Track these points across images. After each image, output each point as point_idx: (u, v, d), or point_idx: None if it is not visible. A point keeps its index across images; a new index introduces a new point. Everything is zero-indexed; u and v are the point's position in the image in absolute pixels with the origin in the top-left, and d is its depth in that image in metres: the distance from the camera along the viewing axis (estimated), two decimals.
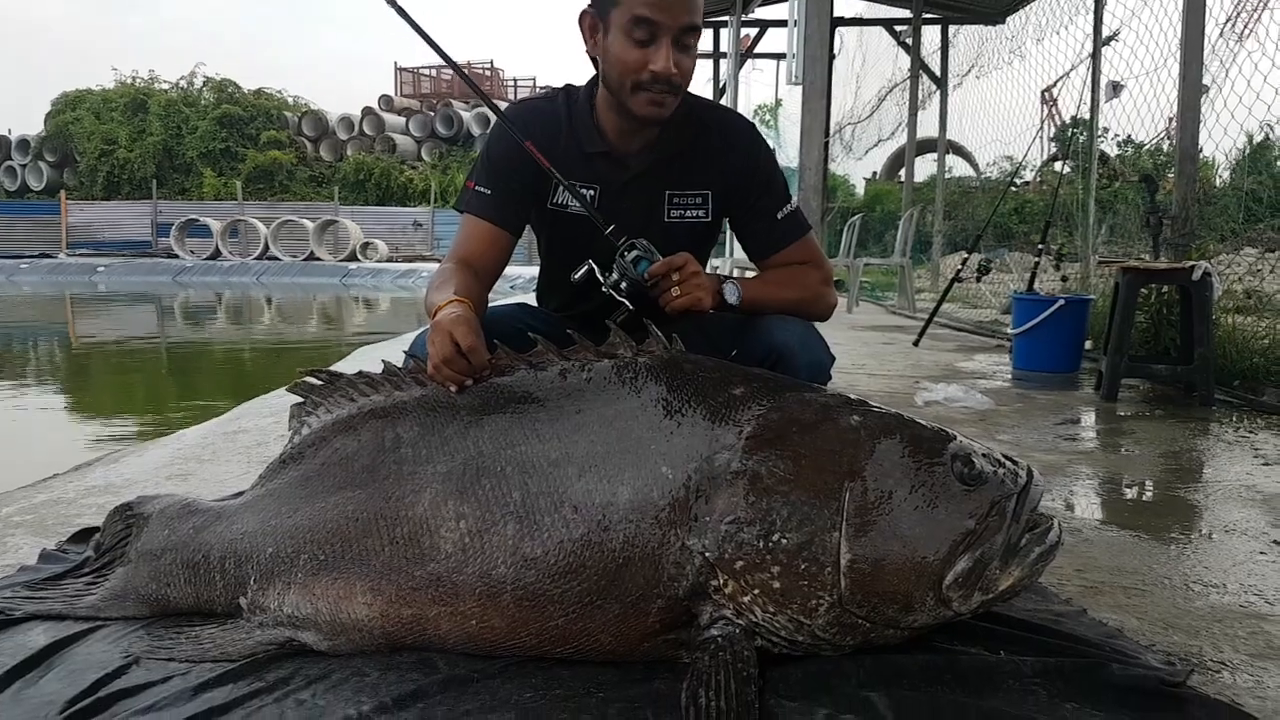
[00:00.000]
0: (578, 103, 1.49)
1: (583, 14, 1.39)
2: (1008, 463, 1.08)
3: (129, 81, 27.04)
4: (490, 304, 1.50)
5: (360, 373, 1.31)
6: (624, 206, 1.47)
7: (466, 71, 1.71)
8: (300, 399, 1.34)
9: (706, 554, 1.03)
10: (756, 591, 1.02)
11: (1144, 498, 2.20)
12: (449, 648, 1.12)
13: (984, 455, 1.07)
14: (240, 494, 1.45)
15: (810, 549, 1.01)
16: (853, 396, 1.16)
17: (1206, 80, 4.42)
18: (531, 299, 1.75)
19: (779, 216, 1.53)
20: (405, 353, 1.36)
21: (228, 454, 2.48)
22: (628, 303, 1.38)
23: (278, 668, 1.11)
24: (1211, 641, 1.27)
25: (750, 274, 1.59)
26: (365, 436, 1.24)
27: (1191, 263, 3.34)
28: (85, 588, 1.35)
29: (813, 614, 1.01)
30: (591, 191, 1.47)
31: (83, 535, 1.59)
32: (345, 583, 1.14)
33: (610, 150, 1.47)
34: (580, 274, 1.41)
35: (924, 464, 1.04)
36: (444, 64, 1.57)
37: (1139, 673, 1.03)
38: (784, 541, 1.01)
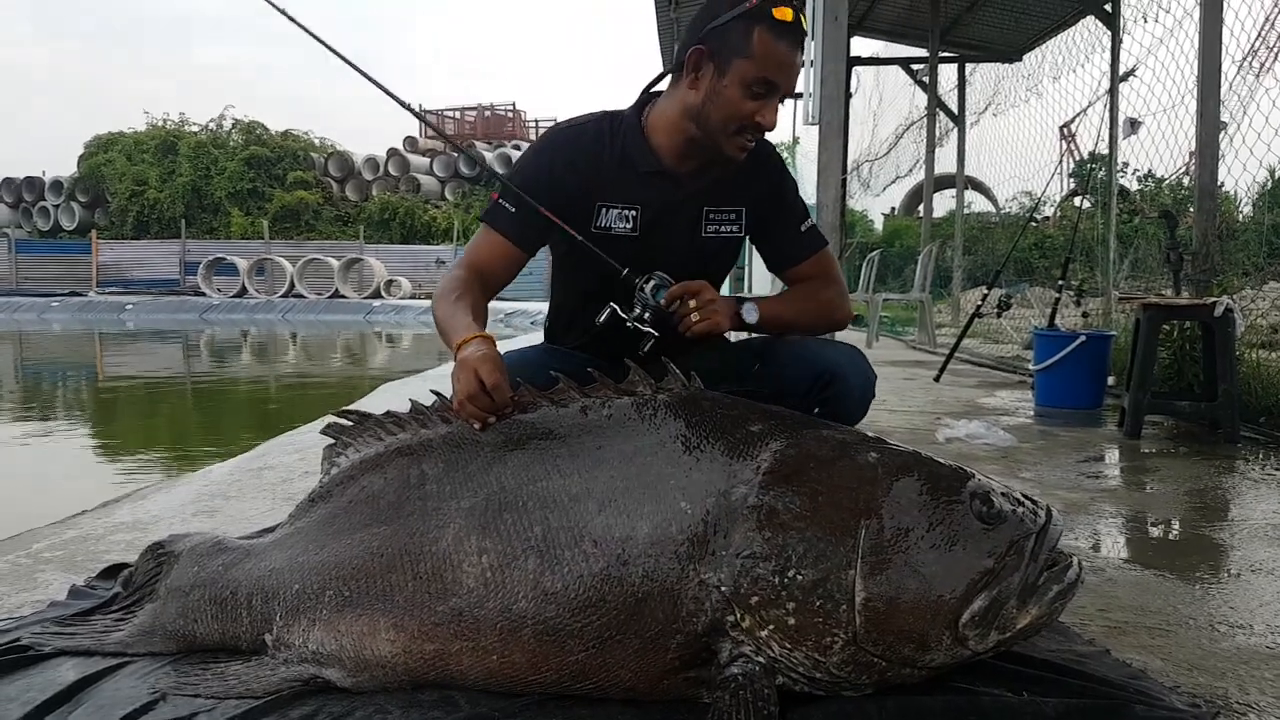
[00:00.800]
0: (624, 125, 1.54)
1: (695, 50, 1.43)
2: (1026, 502, 1.08)
3: (160, 124, 27.74)
4: (510, 347, 1.55)
5: (388, 412, 1.34)
6: (673, 222, 1.53)
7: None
8: (332, 440, 1.37)
9: (723, 588, 1.04)
10: (772, 627, 1.02)
11: (1169, 536, 2.17)
12: (471, 684, 1.12)
13: (1002, 494, 1.07)
14: (269, 530, 1.47)
15: (825, 586, 1.01)
16: (871, 434, 1.17)
17: (1225, 116, 4.43)
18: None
19: (801, 229, 1.64)
20: (433, 391, 1.39)
21: (254, 491, 2.52)
22: (653, 331, 1.44)
23: (301, 705, 1.12)
24: (1238, 683, 1.25)
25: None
26: (391, 473, 1.27)
27: (1213, 298, 3.32)
28: (114, 624, 1.37)
29: (827, 652, 1.01)
30: (633, 212, 1.51)
31: (111, 571, 1.62)
32: (369, 619, 1.16)
33: (664, 169, 1.53)
34: (604, 316, 1.47)
35: (942, 502, 1.05)
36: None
37: (1163, 715, 1.02)
38: (799, 578, 1.02)
